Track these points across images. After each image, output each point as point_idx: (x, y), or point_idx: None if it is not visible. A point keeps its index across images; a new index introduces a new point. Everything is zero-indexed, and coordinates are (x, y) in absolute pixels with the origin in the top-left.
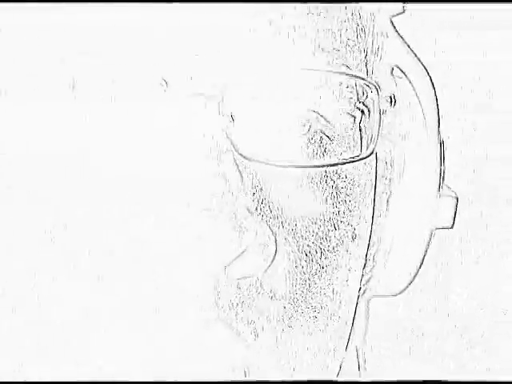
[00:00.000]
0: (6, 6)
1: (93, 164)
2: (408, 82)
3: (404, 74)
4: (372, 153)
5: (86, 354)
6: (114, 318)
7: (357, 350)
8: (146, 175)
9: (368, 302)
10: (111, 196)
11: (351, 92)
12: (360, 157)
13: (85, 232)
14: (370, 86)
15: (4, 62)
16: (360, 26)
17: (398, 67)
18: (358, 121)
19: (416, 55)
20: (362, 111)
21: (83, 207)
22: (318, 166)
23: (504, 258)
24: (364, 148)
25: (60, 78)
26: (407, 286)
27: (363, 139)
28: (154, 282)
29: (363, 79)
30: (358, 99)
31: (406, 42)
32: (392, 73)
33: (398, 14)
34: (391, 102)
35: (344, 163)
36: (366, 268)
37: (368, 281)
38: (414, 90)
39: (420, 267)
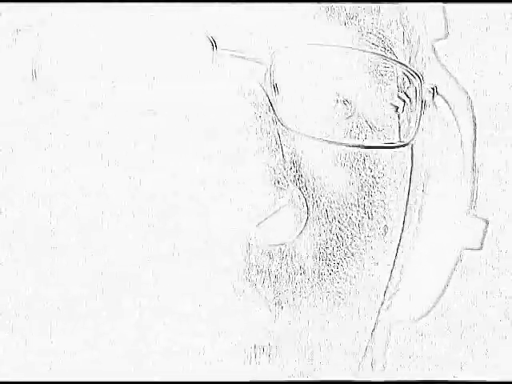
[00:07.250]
0: None
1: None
2: (445, 102)
3: (442, 96)
4: (407, 144)
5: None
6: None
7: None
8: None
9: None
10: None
11: (393, 81)
12: (396, 144)
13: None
14: (414, 75)
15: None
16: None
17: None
18: (399, 111)
19: (456, 79)
20: (404, 101)
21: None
22: (354, 146)
23: None
24: (401, 138)
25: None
26: (431, 308)
27: (401, 130)
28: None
29: (407, 67)
30: (399, 89)
31: (446, 67)
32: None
33: (440, 40)
34: (433, 93)
35: (379, 147)
36: (389, 288)
37: (391, 298)
38: (452, 110)
39: (445, 289)
